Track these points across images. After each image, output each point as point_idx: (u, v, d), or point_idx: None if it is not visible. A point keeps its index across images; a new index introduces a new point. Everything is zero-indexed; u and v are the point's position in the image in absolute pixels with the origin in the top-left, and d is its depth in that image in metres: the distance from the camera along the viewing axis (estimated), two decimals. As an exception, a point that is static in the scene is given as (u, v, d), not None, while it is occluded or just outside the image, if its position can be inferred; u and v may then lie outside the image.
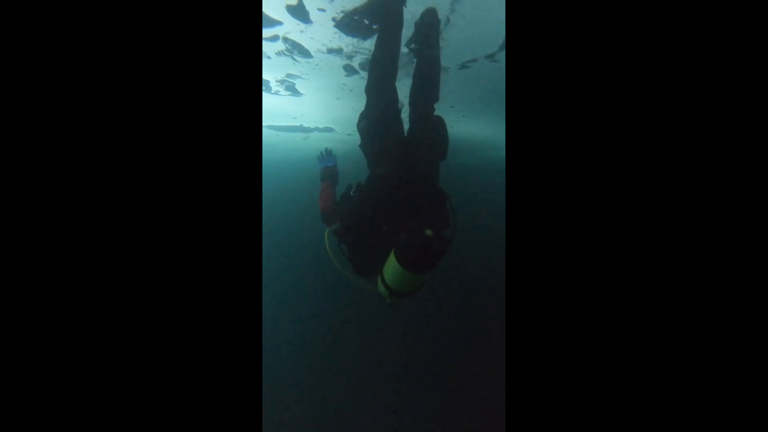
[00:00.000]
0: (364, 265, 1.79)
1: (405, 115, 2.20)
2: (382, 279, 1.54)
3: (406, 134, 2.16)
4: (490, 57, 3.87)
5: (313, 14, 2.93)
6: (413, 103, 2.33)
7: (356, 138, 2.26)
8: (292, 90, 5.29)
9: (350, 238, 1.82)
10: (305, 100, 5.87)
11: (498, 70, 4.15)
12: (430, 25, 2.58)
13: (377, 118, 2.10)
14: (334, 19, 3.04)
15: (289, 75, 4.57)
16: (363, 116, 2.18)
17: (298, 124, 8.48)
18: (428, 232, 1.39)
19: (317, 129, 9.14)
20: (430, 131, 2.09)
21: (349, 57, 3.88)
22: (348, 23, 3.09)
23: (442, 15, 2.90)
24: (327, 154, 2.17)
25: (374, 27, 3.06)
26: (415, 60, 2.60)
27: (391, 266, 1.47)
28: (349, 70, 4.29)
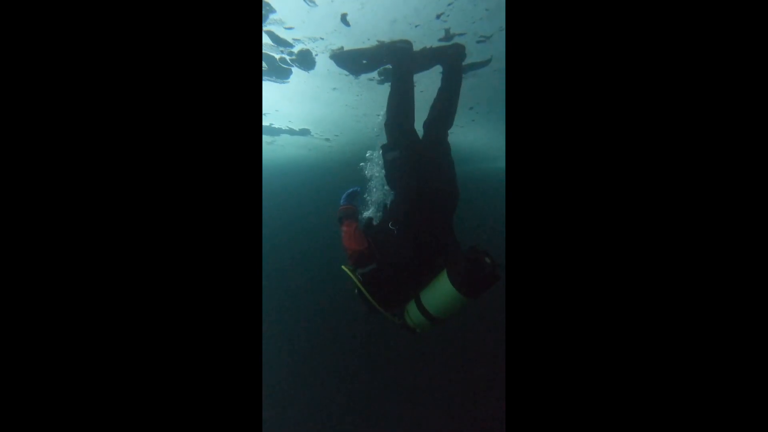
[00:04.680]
0: (396, 301, 1.75)
1: None
2: (421, 309, 1.57)
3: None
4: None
5: None
6: (429, 127, 2.37)
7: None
8: (279, 73, 3.96)
9: (390, 275, 1.73)
10: (288, 89, 4.55)
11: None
12: (455, 58, 2.65)
13: (420, 160, 2.10)
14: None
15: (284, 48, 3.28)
16: (390, 149, 2.19)
17: (266, 123, 7.01)
18: (487, 259, 1.48)
19: (290, 131, 7.68)
20: (446, 156, 2.22)
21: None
22: (346, 60, 3.02)
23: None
24: (353, 195, 2.05)
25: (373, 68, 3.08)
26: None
27: (442, 293, 1.51)
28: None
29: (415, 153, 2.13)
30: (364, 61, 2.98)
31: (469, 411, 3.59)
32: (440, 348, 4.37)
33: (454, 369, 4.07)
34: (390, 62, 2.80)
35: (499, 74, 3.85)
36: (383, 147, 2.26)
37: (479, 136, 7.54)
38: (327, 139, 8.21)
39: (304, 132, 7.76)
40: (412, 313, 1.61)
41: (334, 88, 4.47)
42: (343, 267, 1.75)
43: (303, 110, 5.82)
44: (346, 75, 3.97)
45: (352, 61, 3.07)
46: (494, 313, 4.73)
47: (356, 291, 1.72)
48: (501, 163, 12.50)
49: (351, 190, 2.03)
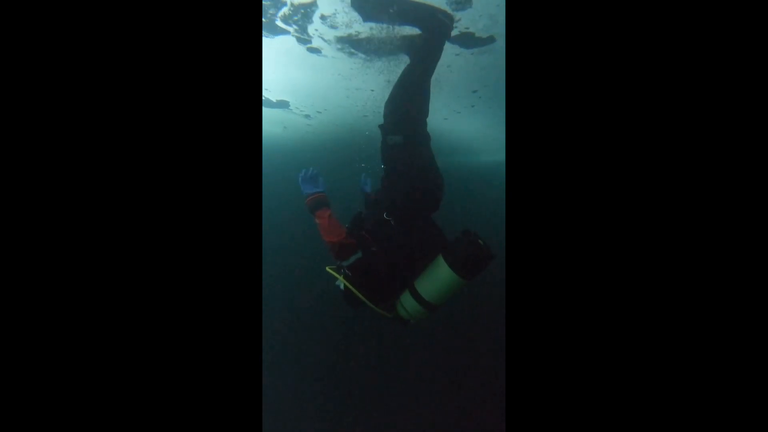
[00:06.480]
0: (387, 292, 1.70)
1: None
2: (417, 297, 1.58)
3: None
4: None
5: None
6: (408, 114, 2.25)
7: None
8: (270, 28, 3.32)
9: (379, 260, 1.66)
10: (272, 45, 3.90)
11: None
12: (442, 25, 2.36)
13: (425, 148, 2.03)
14: None
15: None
16: (393, 132, 2.01)
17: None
18: (481, 241, 1.53)
19: (266, 101, 6.90)
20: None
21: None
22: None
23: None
24: (313, 177, 1.73)
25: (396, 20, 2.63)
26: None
27: (439, 278, 1.54)
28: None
29: (421, 137, 2.02)
30: (391, 10, 2.53)
31: (468, 408, 3.51)
32: (438, 346, 4.26)
33: (451, 366, 3.98)
34: (421, 28, 2.42)
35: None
36: (383, 128, 2.08)
37: (475, 124, 7.30)
38: (307, 116, 7.53)
39: (282, 104, 7.02)
40: (407, 303, 1.61)
41: (326, 54, 3.90)
42: (327, 269, 1.68)
43: (285, 76, 5.15)
44: (343, 38, 3.45)
45: (376, 3, 2.61)
46: (491, 310, 4.68)
47: (342, 287, 1.62)
48: (490, 156, 12.39)
49: (307, 173, 1.73)
